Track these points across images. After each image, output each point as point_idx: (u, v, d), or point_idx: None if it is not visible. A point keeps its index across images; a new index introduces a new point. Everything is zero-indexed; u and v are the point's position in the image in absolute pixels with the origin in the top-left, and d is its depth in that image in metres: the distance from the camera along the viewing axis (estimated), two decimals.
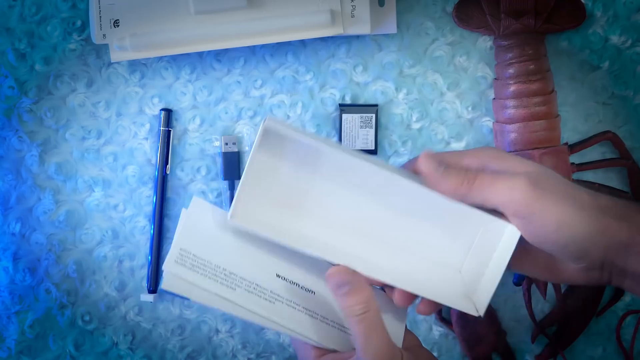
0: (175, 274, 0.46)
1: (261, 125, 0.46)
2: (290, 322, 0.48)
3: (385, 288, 0.50)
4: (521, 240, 0.46)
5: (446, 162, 0.47)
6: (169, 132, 0.64)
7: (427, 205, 0.48)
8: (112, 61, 0.62)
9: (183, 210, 0.49)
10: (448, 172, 0.46)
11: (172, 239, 0.64)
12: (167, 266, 0.46)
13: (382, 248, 0.50)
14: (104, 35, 0.60)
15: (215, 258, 0.47)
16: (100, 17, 0.60)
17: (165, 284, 0.47)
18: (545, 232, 0.45)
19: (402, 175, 0.48)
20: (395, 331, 0.49)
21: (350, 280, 0.46)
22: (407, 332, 0.50)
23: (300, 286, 0.49)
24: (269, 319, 0.47)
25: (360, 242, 0.49)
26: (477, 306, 0.48)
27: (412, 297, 0.48)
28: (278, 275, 0.48)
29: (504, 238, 0.47)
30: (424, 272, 0.50)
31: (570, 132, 0.64)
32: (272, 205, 0.48)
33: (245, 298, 0.47)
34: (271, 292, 0.48)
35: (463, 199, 0.46)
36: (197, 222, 0.48)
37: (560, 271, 0.48)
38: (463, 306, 0.48)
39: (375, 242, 0.50)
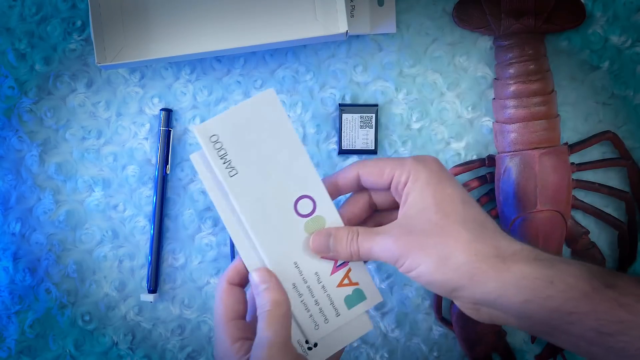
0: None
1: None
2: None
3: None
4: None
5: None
6: (169, 132, 0.64)
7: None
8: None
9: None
10: (335, 248, 0.50)
11: (172, 238, 0.65)
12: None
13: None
14: (105, 57, 0.60)
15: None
16: (104, 47, 0.60)
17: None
18: (416, 277, 0.47)
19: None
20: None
21: (268, 280, 0.49)
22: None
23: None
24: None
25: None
26: None
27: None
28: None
29: None
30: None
31: (570, 132, 0.64)
32: None
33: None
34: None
35: (360, 258, 0.50)
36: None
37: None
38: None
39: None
